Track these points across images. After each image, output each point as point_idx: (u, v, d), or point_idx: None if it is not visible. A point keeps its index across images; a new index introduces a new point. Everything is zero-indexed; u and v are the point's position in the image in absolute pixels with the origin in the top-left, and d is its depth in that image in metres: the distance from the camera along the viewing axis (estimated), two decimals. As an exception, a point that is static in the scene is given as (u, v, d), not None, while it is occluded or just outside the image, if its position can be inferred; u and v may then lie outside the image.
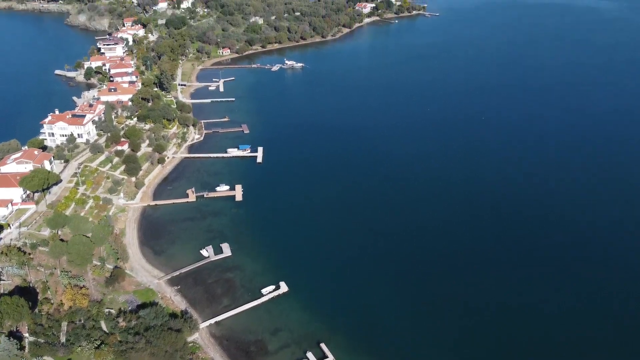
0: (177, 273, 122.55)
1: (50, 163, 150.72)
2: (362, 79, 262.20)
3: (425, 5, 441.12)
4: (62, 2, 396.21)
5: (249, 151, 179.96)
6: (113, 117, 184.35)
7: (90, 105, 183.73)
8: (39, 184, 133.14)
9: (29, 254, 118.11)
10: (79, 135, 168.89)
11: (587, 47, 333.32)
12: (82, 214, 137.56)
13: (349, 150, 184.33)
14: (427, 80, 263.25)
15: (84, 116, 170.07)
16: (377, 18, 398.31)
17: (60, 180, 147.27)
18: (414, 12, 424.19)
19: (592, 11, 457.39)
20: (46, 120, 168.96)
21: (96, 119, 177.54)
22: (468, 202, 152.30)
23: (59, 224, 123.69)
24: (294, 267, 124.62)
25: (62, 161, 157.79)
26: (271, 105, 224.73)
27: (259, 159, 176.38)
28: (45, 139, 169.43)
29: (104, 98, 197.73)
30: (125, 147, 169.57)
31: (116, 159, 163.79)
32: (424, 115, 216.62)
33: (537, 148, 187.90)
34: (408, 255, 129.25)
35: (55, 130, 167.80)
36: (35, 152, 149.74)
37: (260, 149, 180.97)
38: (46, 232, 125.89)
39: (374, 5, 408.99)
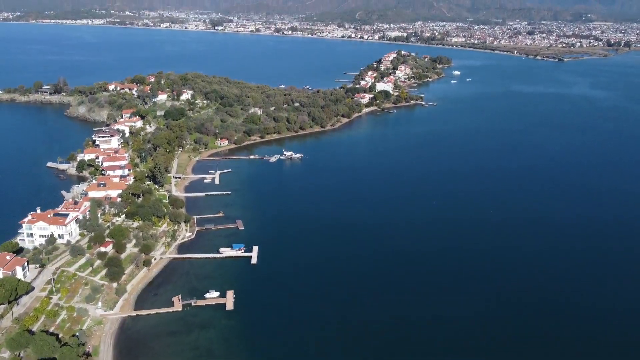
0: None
1: (23, 269, 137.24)
2: (363, 169, 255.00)
3: (423, 95, 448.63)
4: (64, 94, 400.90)
5: (243, 251, 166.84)
6: (99, 214, 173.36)
7: (76, 203, 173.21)
8: (4, 295, 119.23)
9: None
10: (60, 236, 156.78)
11: (589, 134, 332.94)
12: (52, 329, 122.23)
13: (351, 247, 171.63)
14: (429, 169, 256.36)
15: (66, 215, 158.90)
16: (376, 108, 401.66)
17: (32, 289, 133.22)
18: (412, 102, 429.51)
19: (587, 100, 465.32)
20: (25, 219, 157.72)
21: (81, 217, 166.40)
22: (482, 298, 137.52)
23: (21, 345, 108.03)
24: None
25: (38, 266, 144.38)
26: (268, 199, 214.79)
27: (254, 260, 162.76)
28: (24, 240, 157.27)
29: (92, 193, 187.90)
30: (109, 249, 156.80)
31: (98, 262, 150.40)
32: (428, 209, 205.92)
33: (544, 238, 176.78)
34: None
35: (35, 230, 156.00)
36: (7, 257, 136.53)
37: (255, 248, 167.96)
38: (6, 355, 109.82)
39: (372, 95, 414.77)
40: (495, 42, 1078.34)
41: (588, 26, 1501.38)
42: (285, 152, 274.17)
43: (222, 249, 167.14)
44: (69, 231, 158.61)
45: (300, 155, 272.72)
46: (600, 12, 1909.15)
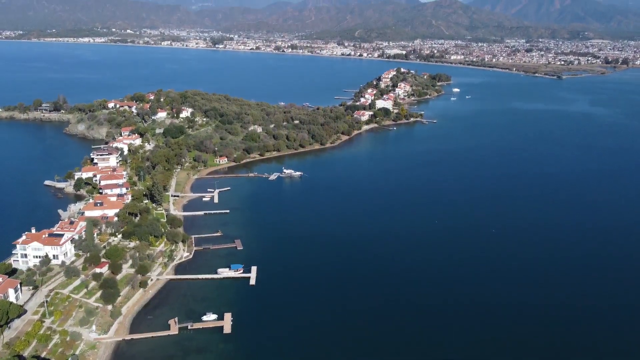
0: None
1: (16, 291, 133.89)
2: (363, 188, 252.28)
3: (422, 112, 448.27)
4: (63, 111, 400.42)
5: (242, 271, 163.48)
6: (95, 234, 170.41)
7: (71, 223, 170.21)
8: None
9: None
10: (55, 257, 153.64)
11: (591, 151, 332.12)
12: (44, 354, 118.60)
13: (353, 267, 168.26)
14: (430, 187, 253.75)
15: (61, 235, 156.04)
16: (376, 125, 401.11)
17: (24, 312, 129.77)
18: (412, 119, 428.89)
19: (587, 117, 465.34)
20: (20, 240, 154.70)
21: (76, 237, 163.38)
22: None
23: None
24: None
25: (31, 287, 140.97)
26: (267, 218, 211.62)
27: (252, 281, 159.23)
28: (17, 261, 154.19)
29: (88, 213, 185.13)
30: (105, 269, 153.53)
31: (93, 284, 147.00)
32: (429, 225, 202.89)
33: (549, 260, 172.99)
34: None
35: (29, 251, 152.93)
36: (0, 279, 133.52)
37: (254, 269, 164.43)
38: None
39: (372, 113, 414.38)
40: (494, 60, 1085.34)
41: (585, 44, 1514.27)
42: (284, 170, 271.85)
43: (220, 270, 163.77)
44: (64, 252, 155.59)
45: (300, 173, 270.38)
46: (597, 30, 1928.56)
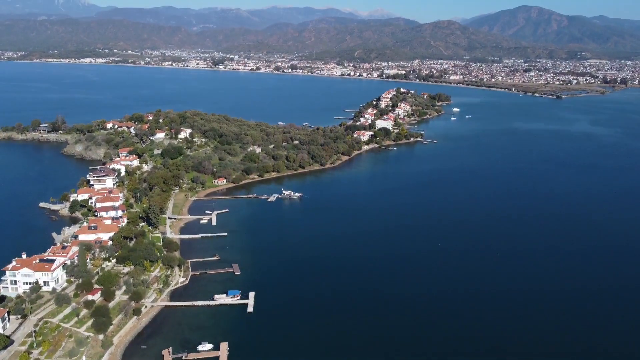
0: None
1: (3, 320, 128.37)
2: (364, 209, 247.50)
3: (423, 132, 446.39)
4: (61, 132, 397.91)
5: (239, 297, 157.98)
6: (89, 259, 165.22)
7: (64, 247, 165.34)
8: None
9: None
10: (45, 283, 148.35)
11: (594, 171, 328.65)
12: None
13: (355, 293, 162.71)
14: (432, 208, 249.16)
15: (52, 261, 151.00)
16: (376, 145, 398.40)
17: (11, 343, 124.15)
18: (412, 139, 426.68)
19: (588, 137, 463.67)
20: (9, 266, 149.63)
21: (68, 262, 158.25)
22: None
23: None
24: None
25: (19, 316, 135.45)
26: (266, 241, 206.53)
27: (250, 308, 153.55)
28: (7, 287, 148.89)
29: (82, 237, 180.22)
30: (97, 296, 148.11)
31: (84, 312, 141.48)
32: (432, 250, 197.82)
33: (554, 284, 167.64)
34: None
35: (19, 277, 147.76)
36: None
37: (251, 295, 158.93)
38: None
39: (372, 133, 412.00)
40: (493, 80, 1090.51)
41: (583, 64, 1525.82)
42: (284, 191, 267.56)
43: (216, 296, 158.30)
44: (55, 278, 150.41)
45: (299, 194, 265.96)
46: (594, 50, 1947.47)
